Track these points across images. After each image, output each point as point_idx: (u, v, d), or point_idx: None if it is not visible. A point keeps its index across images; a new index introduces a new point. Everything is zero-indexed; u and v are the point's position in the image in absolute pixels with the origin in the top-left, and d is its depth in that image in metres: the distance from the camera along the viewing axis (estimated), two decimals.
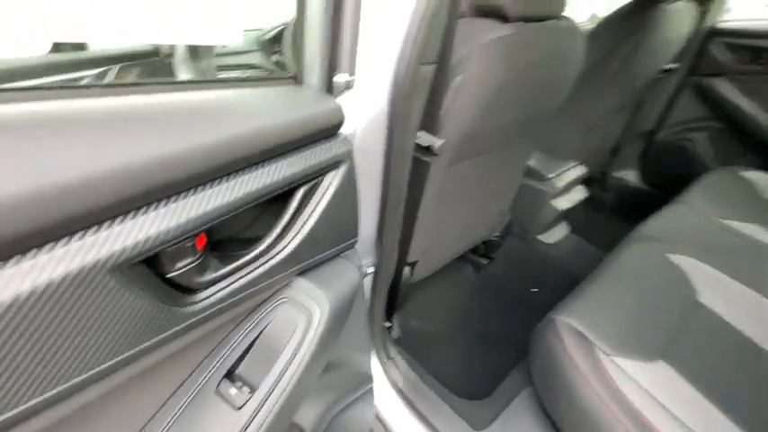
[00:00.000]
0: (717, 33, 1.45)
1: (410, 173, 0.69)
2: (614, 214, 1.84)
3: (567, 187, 1.27)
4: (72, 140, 0.28)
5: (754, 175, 1.33)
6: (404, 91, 0.52)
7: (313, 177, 0.45)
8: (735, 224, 1.08)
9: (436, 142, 0.64)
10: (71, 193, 0.26)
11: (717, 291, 0.85)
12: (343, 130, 0.50)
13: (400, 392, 0.82)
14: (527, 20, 0.70)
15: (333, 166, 0.47)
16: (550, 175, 1.21)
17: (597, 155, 1.60)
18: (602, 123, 1.39)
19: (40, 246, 0.27)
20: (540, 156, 1.34)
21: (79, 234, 0.28)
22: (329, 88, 0.49)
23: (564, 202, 1.25)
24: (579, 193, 1.33)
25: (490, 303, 1.26)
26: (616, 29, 1.15)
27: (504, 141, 0.90)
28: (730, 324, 0.79)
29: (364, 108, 0.53)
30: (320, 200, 0.47)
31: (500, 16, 0.68)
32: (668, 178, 1.69)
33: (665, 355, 0.72)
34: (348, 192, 0.51)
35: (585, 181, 1.76)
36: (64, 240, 0.28)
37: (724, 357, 0.75)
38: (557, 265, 1.30)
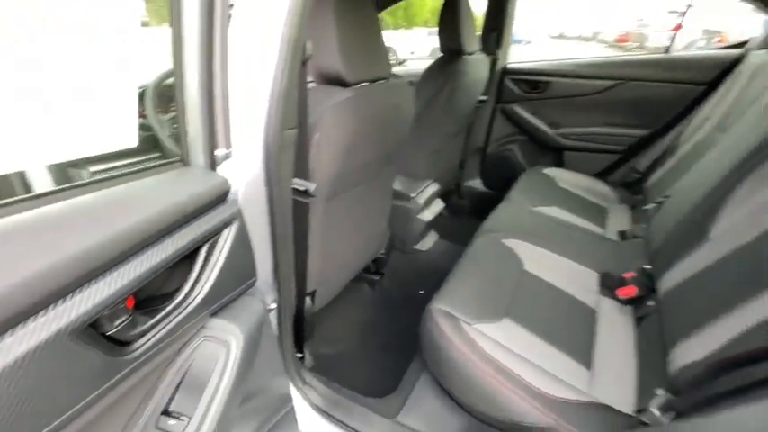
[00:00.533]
0: (508, 72, 1.96)
1: (294, 214, 0.82)
2: (470, 215, 2.25)
3: (427, 201, 1.55)
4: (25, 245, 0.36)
5: (551, 171, 1.82)
6: (274, 153, 0.66)
7: (210, 237, 0.56)
8: (542, 209, 1.48)
9: (310, 186, 0.79)
10: (33, 283, 0.34)
11: (536, 260, 1.17)
12: (232, 193, 0.61)
13: (318, 408, 0.91)
14: (363, 82, 0.91)
15: (226, 224, 0.58)
16: (413, 195, 1.48)
17: (449, 171, 1.97)
18: (445, 147, 1.74)
19: (14, 326, 0.34)
20: (403, 179, 1.61)
21: (42, 312, 0.36)
22: (212, 163, 0.60)
23: (428, 215, 1.53)
24: (438, 205, 1.63)
25: (388, 312, 1.44)
26: (436, 76, 1.50)
27: (370, 174, 1.08)
28: (550, 283, 1.08)
29: (245, 172, 0.65)
30: (220, 252, 0.58)
31: (341, 83, 0.87)
32: (501, 181, 2.16)
33: (509, 314, 0.93)
34: (242, 242, 0.62)
35: (444, 193, 2.13)
36: (32, 318, 0.36)
37: (549, 308, 0.99)
38: (433, 267, 1.56)
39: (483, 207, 2.17)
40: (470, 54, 1.56)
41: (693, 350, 0.71)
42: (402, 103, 1.08)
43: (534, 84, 1.92)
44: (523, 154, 2.07)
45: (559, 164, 1.98)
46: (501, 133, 2.08)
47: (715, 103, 1.39)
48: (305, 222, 0.85)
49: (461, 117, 1.74)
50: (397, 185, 1.53)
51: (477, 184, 2.24)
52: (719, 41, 8.66)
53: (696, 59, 1.60)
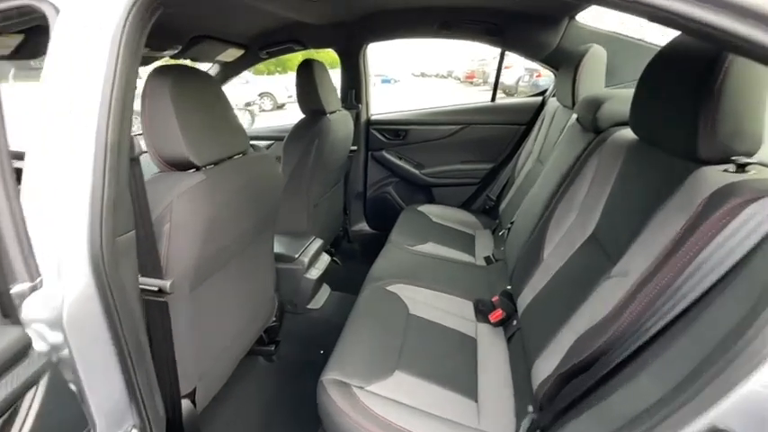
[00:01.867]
0: (372, 123, 2.12)
1: (150, 318, 0.73)
2: (362, 258, 2.31)
3: (313, 258, 1.54)
4: None
5: (425, 208, 1.99)
6: (108, 263, 0.58)
7: (12, 403, 0.45)
8: (419, 248, 1.60)
9: (165, 284, 0.72)
10: None
11: (420, 302, 1.24)
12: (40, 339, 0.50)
13: None
14: (217, 163, 0.87)
15: (30, 384, 0.48)
16: (296, 255, 1.46)
17: (333, 219, 2.00)
18: (325, 199, 1.77)
19: None
20: (284, 239, 1.58)
21: None
22: (8, 307, 0.49)
23: (315, 272, 1.52)
24: (324, 260, 1.63)
25: (290, 382, 1.36)
26: (303, 135, 1.54)
27: (242, 245, 1.02)
28: (435, 322, 1.13)
29: (68, 294, 0.55)
30: (24, 419, 0.47)
31: (192, 166, 0.83)
32: (384, 220, 2.28)
33: (399, 366, 0.93)
34: (58, 397, 0.51)
35: (334, 241, 2.15)
36: None
37: (436, 347, 1.02)
38: (329, 324, 1.54)
39: (372, 247, 2.26)
40: (332, 113, 1.65)
41: (545, 366, 0.78)
42: (265, 171, 1.06)
43: (396, 132, 2.12)
44: (399, 194, 2.23)
45: (431, 199, 2.19)
46: (376, 177, 2.22)
47: (533, 140, 1.72)
48: (165, 322, 0.76)
49: (336, 169, 1.81)
50: (279, 247, 1.50)
51: (363, 226, 2.33)
52: (538, 76, 10.96)
53: (515, 105, 1.97)
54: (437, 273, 1.42)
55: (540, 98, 1.92)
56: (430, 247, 1.63)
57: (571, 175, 1.04)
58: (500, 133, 1.96)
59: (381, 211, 2.27)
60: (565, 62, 1.48)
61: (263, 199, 1.07)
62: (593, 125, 1.01)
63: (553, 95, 1.80)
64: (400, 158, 2.14)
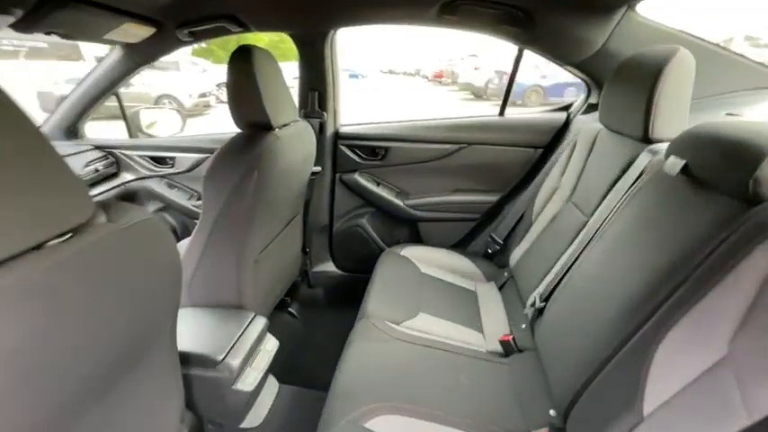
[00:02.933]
0: (341, 137, 1.59)
1: None
2: (326, 307, 1.80)
3: (250, 354, 1.01)
4: None
5: (409, 252, 1.50)
6: None
7: None
8: (406, 326, 1.13)
9: None
10: None
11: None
12: None
13: None
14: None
15: None
16: (221, 356, 0.92)
17: (288, 265, 1.46)
18: (274, 243, 1.23)
19: None
20: (204, 322, 1.04)
21: None
22: None
23: (251, 379, 0.99)
24: (269, 351, 1.10)
25: None
26: (233, 164, 1.00)
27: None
28: None
29: None
30: None
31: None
32: (356, 260, 1.78)
33: None
34: None
35: (291, 289, 1.62)
36: None
37: None
38: None
39: (339, 293, 1.74)
40: (284, 126, 1.12)
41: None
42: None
43: (373, 149, 1.61)
44: (375, 228, 1.73)
45: (416, 236, 1.71)
46: (346, 207, 1.70)
47: (560, 171, 1.27)
48: None
49: (291, 201, 1.27)
50: (195, 341, 0.95)
51: (328, 266, 1.80)
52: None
53: (531, 122, 1.52)
54: (436, 381, 0.94)
55: (562, 114, 1.48)
56: (422, 323, 1.15)
57: (712, 272, 0.59)
58: (510, 157, 1.51)
59: (351, 248, 1.76)
60: (612, 69, 1.05)
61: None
62: (744, 191, 0.56)
63: (585, 112, 1.37)
64: (378, 184, 1.64)
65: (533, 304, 1.05)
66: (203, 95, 8.89)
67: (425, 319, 1.18)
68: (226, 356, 0.93)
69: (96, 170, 1.68)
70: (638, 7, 1.05)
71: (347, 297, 1.77)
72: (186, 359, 0.91)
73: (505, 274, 1.41)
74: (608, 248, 0.83)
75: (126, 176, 1.82)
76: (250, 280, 1.11)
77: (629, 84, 0.95)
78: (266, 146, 1.01)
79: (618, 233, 0.82)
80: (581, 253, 0.94)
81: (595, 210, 1.02)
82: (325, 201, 1.66)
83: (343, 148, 1.59)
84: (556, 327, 0.92)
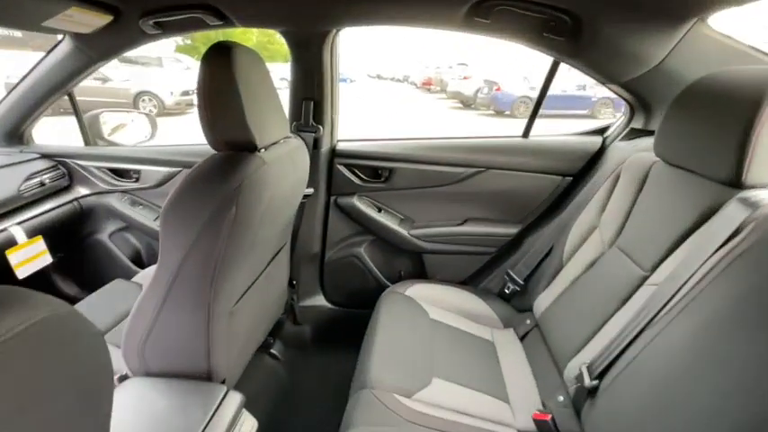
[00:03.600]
0: (339, 155, 1.37)
1: None
2: (314, 345, 1.56)
3: None
4: None
5: (414, 291, 1.29)
6: None
7: None
8: (419, 399, 0.91)
9: None
10: None
11: None
12: None
13: None
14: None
15: None
16: None
17: (272, 302, 1.23)
18: (254, 289, 1.00)
19: None
20: (168, 400, 0.79)
21: None
22: None
23: None
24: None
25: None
26: (205, 198, 0.76)
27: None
28: None
29: None
30: None
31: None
32: (350, 294, 1.55)
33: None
34: None
35: (275, 327, 1.38)
36: None
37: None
38: None
39: (331, 330, 1.51)
40: (271, 146, 0.89)
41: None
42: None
43: (375, 170, 1.39)
44: (373, 258, 1.50)
45: (420, 270, 1.49)
46: (341, 234, 1.47)
47: (599, 206, 1.08)
48: None
49: (277, 233, 1.04)
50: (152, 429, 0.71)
51: (318, 300, 1.57)
52: (497, 90, 10.77)
53: (559, 147, 1.32)
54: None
55: (597, 138, 1.29)
56: (437, 394, 0.94)
57: None
58: (533, 184, 1.31)
59: (346, 281, 1.53)
60: (671, 90, 0.87)
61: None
62: None
63: (626, 138, 1.19)
64: (379, 210, 1.42)
65: (578, 378, 0.85)
66: (186, 93, 8.49)
67: (441, 386, 0.96)
68: None
69: (42, 183, 1.40)
70: (710, 19, 0.87)
71: (339, 335, 1.54)
72: None
73: (528, 321, 1.21)
74: (702, 330, 0.63)
75: (80, 191, 1.54)
76: (222, 339, 0.87)
77: (706, 112, 0.77)
78: (248, 173, 0.77)
79: (717, 312, 0.62)
80: (649, 322, 0.75)
81: (658, 264, 0.82)
82: (317, 226, 1.43)
83: (340, 167, 1.37)
84: (621, 421, 0.72)
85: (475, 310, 1.30)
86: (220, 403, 0.80)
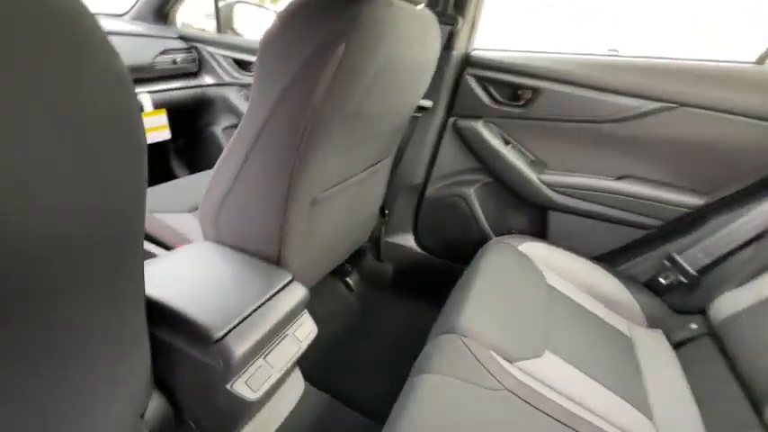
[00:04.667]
0: (472, 63, 1.11)
1: None
2: (391, 296, 1.39)
3: (273, 336, 0.64)
4: None
5: (529, 248, 1.01)
6: None
7: None
8: (523, 367, 0.66)
9: None
10: None
11: None
12: None
13: None
14: None
15: None
16: (221, 332, 0.56)
17: (361, 222, 1.08)
18: (343, 189, 0.84)
19: None
20: (224, 279, 0.68)
21: None
22: None
23: (261, 378, 0.62)
24: (303, 335, 0.72)
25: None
26: (308, 26, 0.59)
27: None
28: None
29: None
30: None
31: None
32: (446, 241, 1.32)
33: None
34: None
35: (354, 255, 1.25)
36: None
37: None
38: None
39: (415, 277, 1.32)
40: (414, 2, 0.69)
41: None
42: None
43: (514, 89, 1.10)
44: (484, 204, 1.24)
45: (541, 229, 1.19)
46: (451, 166, 1.23)
47: None
48: None
49: (384, 128, 0.86)
50: (187, 300, 0.60)
51: (407, 241, 1.38)
52: None
53: None
54: None
55: None
56: (551, 370, 0.68)
57: None
58: (754, 139, 0.89)
59: (444, 224, 1.31)
60: None
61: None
62: None
63: None
64: (507, 143, 1.14)
65: None
66: None
67: (556, 364, 0.70)
68: (226, 335, 0.56)
69: (174, 61, 1.44)
70: None
71: (423, 285, 1.34)
72: (170, 318, 0.56)
73: (693, 326, 0.85)
74: None
75: (206, 79, 1.57)
76: (298, 230, 0.73)
77: None
78: (369, 7, 0.58)
79: None
80: None
81: None
82: (425, 151, 1.22)
83: (470, 80, 1.11)
84: None
85: (611, 294, 0.97)
86: (281, 290, 0.66)
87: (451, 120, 1.17)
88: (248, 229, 0.74)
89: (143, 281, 0.42)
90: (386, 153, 1.01)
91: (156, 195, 1.07)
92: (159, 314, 0.56)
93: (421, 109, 1.13)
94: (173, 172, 1.65)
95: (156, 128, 1.37)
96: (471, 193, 1.23)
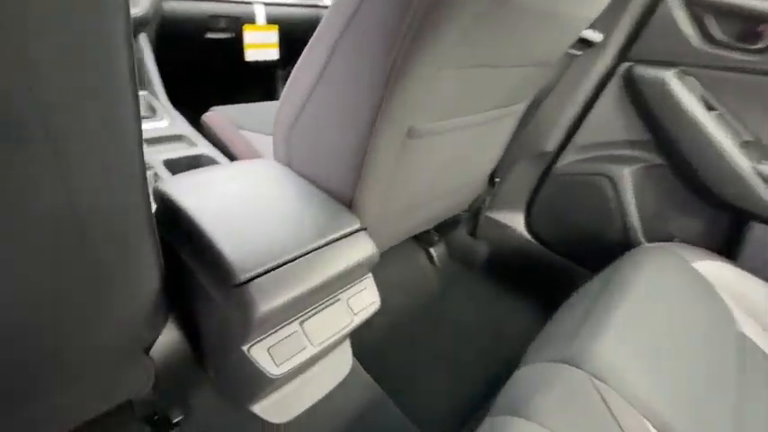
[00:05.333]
0: None
1: None
2: (485, 276, 1.15)
3: (297, 302, 0.47)
4: None
5: (718, 269, 0.67)
6: None
7: None
8: None
9: None
10: None
11: None
12: None
13: None
14: None
15: None
16: (244, 276, 0.40)
17: (459, 189, 0.85)
18: (452, 132, 0.61)
19: None
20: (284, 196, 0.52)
21: None
22: None
23: (285, 357, 0.46)
24: (362, 305, 0.54)
25: None
26: None
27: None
28: None
29: None
30: None
31: None
32: (564, 232, 1.02)
33: None
34: None
35: (438, 227, 1.04)
36: None
37: None
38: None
39: (515, 268, 1.07)
40: None
41: None
42: None
43: (745, 23, 0.71)
44: (642, 193, 0.89)
45: (728, 243, 0.80)
46: (605, 134, 0.89)
47: None
48: None
49: (526, 56, 0.59)
50: (218, 224, 0.45)
51: (514, 221, 1.10)
52: None
53: None
54: None
55: None
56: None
57: None
58: None
59: (572, 212, 1.00)
60: None
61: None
62: None
63: None
64: (710, 109, 0.76)
65: None
66: None
67: None
68: (252, 280, 0.39)
69: None
70: None
71: (526, 281, 1.08)
72: (195, 241, 0.42)
73: None
74: None
75: (325, 0, 1.42)
76: (386, 164, 0.53)
77: None
78: None
79: None
80: None
81: None
82: (571, 107, 0.90)
83: (673, 4, 0.74)
84: None
85: None
86: (345, 237, 0.48)
87: (625, 65, 0.82)
88: (321, 154, 0.57)
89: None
90: (518, 97, 0.73)
91: (250, 113, 0.97)
92: (186, 232, 0.42)
93: (583, 43, 0.81)
94: (277, 90, 1.59)
95: (265, 44, 1.28)
96: (626, 174, 0.88)
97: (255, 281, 0.39)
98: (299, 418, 0.53)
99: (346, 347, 0.63)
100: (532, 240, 1.08)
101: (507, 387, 0.50)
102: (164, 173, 0.71)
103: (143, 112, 0.87)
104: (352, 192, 0.55)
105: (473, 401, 0.82)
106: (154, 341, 0.45)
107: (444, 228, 1.15)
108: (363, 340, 0.70)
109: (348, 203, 0.56)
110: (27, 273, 0.24)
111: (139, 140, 0.26)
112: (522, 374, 0.50)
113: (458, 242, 1.17)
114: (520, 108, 0.78)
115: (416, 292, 1.09)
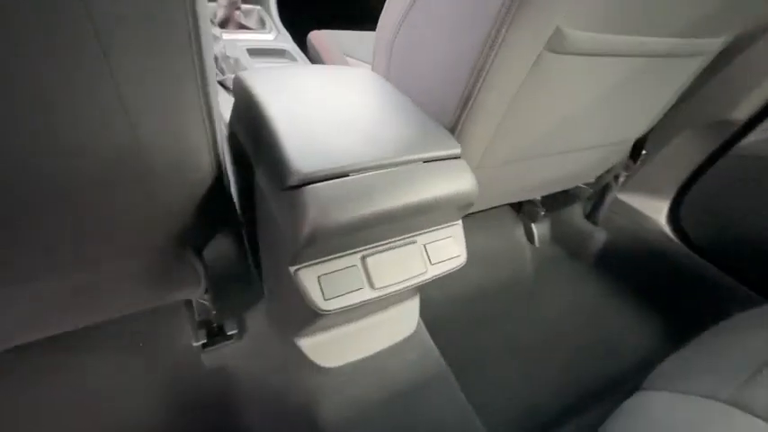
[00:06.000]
0: None
1: None
2: (601, 273, 0.95)
3: (364, 223, 0.37)
4: None
5: None
6: None
7: None
8: None
9: None
10: None
11: None
12: None
13: None
14: None
15: None
16: (298, 175, 0.32)
17: (588, 156, 0.67)
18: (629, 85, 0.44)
19: None
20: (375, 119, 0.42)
21: None
22: None
23: (334, 288, 0.37)
24: (450, 240, 0.42)
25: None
26: None
27: None
28: None
29: None
30: None
31: None
32: (734, 240, 0.76)
33: None
34: None
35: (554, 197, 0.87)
36: None
37: None
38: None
39: (642, 267, 0.87)
40: None
41: None
42: None
43: None
44: None
45: None
46: None
47: None
48: None
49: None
50: (293, 126, 0.37)
51: (654, 211, 0.86)
52: None
53: None
54: None
55: None
56: None
57: None
58: None
59: (747, 215, 0.73)
60: None
61: None
62: None
63: None
64: None
65: None
66: None
67: None
68: (306, 185, 0.31)
69: None
70: None
71: (655, 287, 0.86)
72: (260, 135, 0.35)
73: None
74: None
75: None
76: (504, 95, 0.40)
77: None
78: None
79: None
80: None
81: None
82: (760, 87, 0.62)
83: None
84: None
85: None
86: (438, 160, 0.37)
87: None
88: (425, 69, 0.45)
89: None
90: (715, 26, 0.51)
91: (359, 40, 0.89)
92: (254, 126, 0.36)
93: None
94: None
95: None
96: None
97: (313, 185, 0.31)
98: (345, 369, 0.46)
99: (414, 304, 0.53)
100: (674, 238, 0.84)
101: (621, 412, 0.35)
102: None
103: (253, 26, 0.85)
104: (453, 120, 0.43)
105: (550, 414, 0.67)
106: (206, 242, 0.41)
107: (554, 202, 0.95)
108: (433, 304, 0.60)
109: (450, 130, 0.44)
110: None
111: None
112: (649, 403, 0.35)
113: (568, 223, 0.97)
114: (712, 47, 0.55)
115: (504, 271, 0.94)
